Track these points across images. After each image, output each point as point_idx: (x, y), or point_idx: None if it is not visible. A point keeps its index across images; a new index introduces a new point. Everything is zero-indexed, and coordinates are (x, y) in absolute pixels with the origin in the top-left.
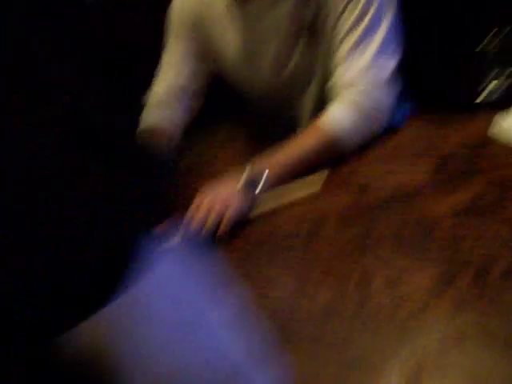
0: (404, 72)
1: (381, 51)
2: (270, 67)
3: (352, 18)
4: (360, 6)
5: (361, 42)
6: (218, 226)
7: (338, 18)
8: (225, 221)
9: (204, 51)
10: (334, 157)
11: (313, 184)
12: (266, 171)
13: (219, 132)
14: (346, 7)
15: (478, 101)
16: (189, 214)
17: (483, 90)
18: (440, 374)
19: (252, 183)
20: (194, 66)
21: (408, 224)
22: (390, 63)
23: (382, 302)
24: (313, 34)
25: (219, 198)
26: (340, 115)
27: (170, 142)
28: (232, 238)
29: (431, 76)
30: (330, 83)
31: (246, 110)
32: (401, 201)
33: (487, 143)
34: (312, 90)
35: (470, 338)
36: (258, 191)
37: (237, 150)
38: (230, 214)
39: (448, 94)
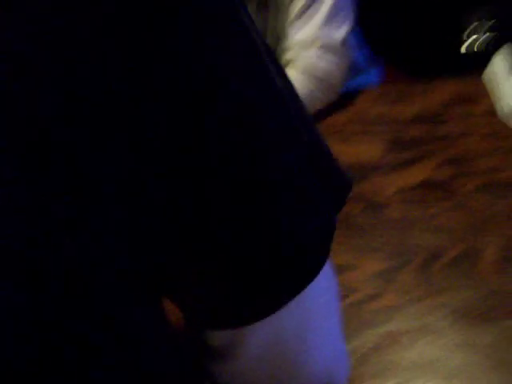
0: (368, 31)
1: (332, 13)
2: None
3: None
4: None
5: (311, 3)
6: None
7: None
8: None
9: None
10: None
11: None
12: None
13: None
14: None
15: (462, 51)
16: None
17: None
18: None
19: None
20: None
21: (357, 205)
22: (343, 26)
23: None
24: None
25: None
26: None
27: None
28: None
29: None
30: (281, 47)
31: None
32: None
33: (444, 118)
34: None
35: (415, 331)
36: None
37: None
38: None
39: (430, 43)
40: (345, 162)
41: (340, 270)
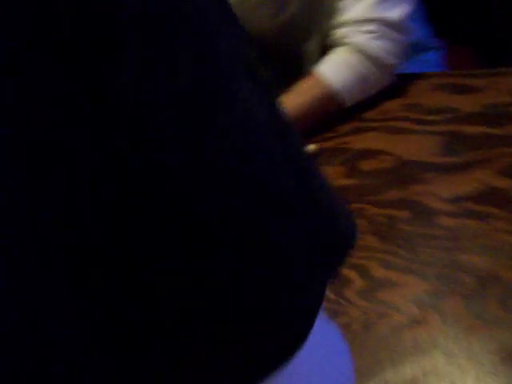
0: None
1: None
2: (269, 9)
3: None
4: None
5: None
6: None
7: None
8: None
9: None
10: (331, 114)
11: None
12: None
13: None
14: None
15: None
16: None
17: None
18: None
19: None
20: None
21: (402, 212)
22: (402, 3)
23: (357, 313)
24: None
25: None
26: (341, 63)
27: None
28: None
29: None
30: (333, 24)
31: None
32: (399, 181)
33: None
34: (317, 31)
35: (459, 365)
36: None
37: None
38: None
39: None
40: (392, 158)
41: (379, 285)
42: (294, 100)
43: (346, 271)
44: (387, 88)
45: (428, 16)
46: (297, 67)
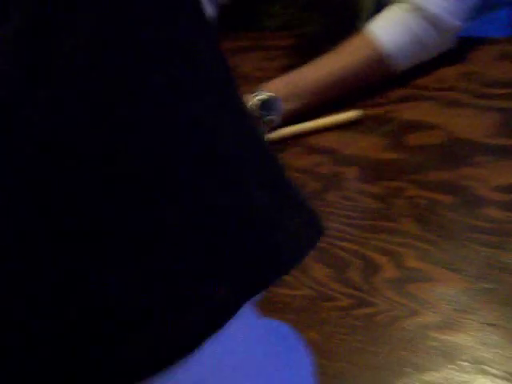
0: None
1: None
2: None
3: None
4: None
5: None
6: None
7: None
8: None
9: None
10: (380, 78)
11: (345, 120)
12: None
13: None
14: None
15: None
16: None
17: None
18: None
19: (266, 106)
20: None
21: (447, 197)
22: None
23: (384, 305)
24: None
25: None
26: (395, 23)
27: None
28: None
29: None
30: None
31: None
32: (447, 160)
33: None
34: None
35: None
36: (272, 116)
37: (274, 54)
38: None
39: None
40: (443, 133)
41: (412, 277)
42: (341, 59)
43: (377, 256)
44: (446, 53)
45: None
46: (351, 22)
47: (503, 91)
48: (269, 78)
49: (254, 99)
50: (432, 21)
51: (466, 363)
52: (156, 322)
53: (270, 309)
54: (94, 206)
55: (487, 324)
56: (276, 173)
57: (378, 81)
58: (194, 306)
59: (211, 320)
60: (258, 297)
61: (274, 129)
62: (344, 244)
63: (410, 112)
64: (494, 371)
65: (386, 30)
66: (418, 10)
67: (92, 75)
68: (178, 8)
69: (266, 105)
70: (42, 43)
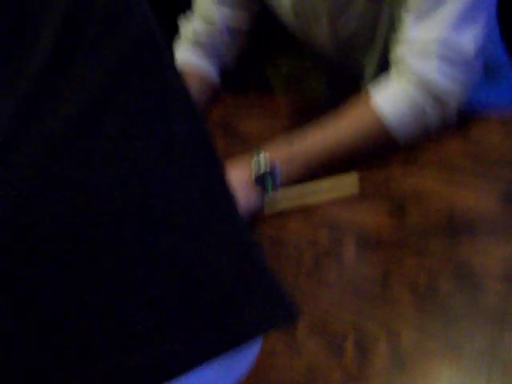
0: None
1: (466, 11)
2: (327, 24)
3: None
4: None
5: None
6: None
7: None
8: None
9: None
10: (379, 151)
11: (344, 185)
12: (278, 165)
13: (258, 82)
14: None
15: None
16: None
17: None
18: None
19: (265, 176)
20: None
21: (447, 274)
22: (476, 28)
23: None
24: None
25: None
26: (398, 95)
27: (205, 87)
28: None
29: None
30: (396, 38)
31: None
32: (447, 235)
33: None
34: (377, 47)
35: None
36: (270, 187)
37: (275, 112)
38: None
39: None
40: (444, 202)
41: (408, 351)
42: (343, 128)
43: (373, 328)
44: (450, 124)
45: (504, 34)
46: (356, 81)
47: (505, 170)
48: (269, 138)
49: (252, 165)
50: (436, 94)
51: None
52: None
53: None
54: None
55: None
56: (249, 261)
57: (381, 148)
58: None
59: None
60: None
61: (273, 193)
62: (339, 314)
63: (411, 177)
64: None
65: (390, 103)
66: (422, 82)
67: None
68: None
69: (263, 169)
70: None
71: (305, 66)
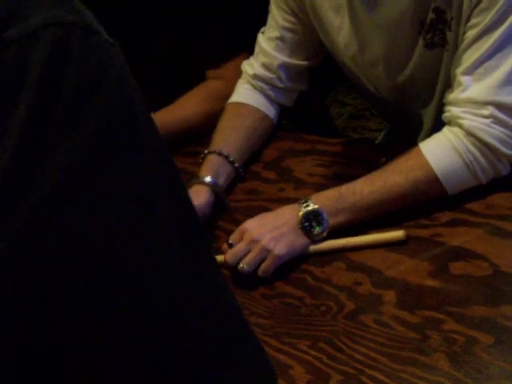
0: None
1: None
2: (384, 70)
3: (489, 17)
4: (501, 2)
5: (497, 51)
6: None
7: (472, 13)
8: (270, 258)
9: (311, 29)
10: (431, 199)
11: (390, 242)
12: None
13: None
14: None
15: None
16: (228, 240)
17: None
18: None
19: (311, 224)
20: (301, 42)
21: (485, 336)
22: None
23: None
24: (436, 29)
25: (268, 229)
26: (448, 148)
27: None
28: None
29: None
30: (450, 98)
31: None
32: (489, 295)
33: None
34: (434, 101)
35: None
36: (316, 235)
37: (329, 159)
38: (277, 251)
39: None
40: (488, 265)
41: None
42: (392, 178)
43: None
44: (500, 178)
45: None
46: (414, 133)
47: None
48: (320, 185)
49: (301, 210)
50: (484, 150)
51: None
52: None
53: None
54: None
55: None
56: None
57: (429, 201)
58: None
59: None
60: None
61: (319, 241)
62: (371, 372)
63: (456, 238)
64: None
65: (439, 155)
66: (471, 138)
67: None
68: None
69: (311, 217)
70: None
71: (369, 108)
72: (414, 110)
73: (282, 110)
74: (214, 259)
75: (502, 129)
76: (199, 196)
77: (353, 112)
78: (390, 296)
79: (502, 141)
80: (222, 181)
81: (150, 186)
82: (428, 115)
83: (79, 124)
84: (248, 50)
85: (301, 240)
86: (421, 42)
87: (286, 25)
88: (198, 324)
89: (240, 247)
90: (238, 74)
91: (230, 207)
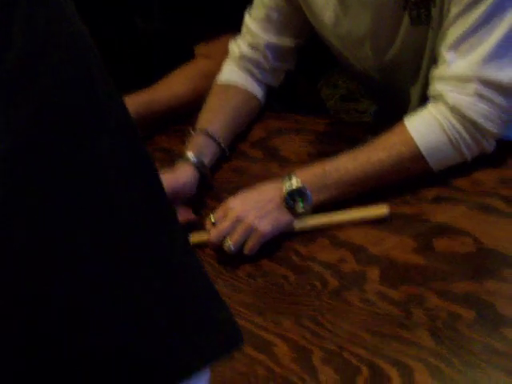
0: None
1: (502, 47)
2: (371, 49)
3: None
4: None
5: (481, 27)
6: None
7: None
8: (255, 236)
9: (298, 8)
10: (416, 176)
11: (374, 217)
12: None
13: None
14: None
15: None
16: (211, 218)
17: None
18: None
19: (295, 199)
20: (287, 21)
21: (468, 312)
22: None
23: None
24: (421, 5)
25: (252, 207)
26: (433, 124)
27: (246, 101)
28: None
29: None
30: (435, 74)
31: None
32: (473, 272)
33: None
34: (421, 77)
35: None
36: (300, 210)
37: (317, 137)
38: (262, 228)
39: None
40: (472, 242)
41: None
42: (376, 154)
43: (387, 367)
44: (485, 156)
45: None
46: (402, 111)
47: None
48: (304, 163)
49: (284, 188)
50: (468, 126)
51: None
52: None
53: None
54: None
55: None
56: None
57: (413, 177)
58: None
59: None
60: None
61: (303, 218)
62: (354, 349)
63: (441, 215)
64: None
65: (422, 132)
66: (456, 114)
67: None
68: None
69: (295, 194)
70: None
71: (360, 89)
72: (401, 89)
73: (269, 90)
74: (180, 229)
75: (486, 106)
76: (184, 174)
77: (344, 93)
78: (374, 273)
79: (486, 118)
80: (207, 160)
81: (109, 156)
82: (414, 94)
83: (30, 83)
84: (237, 28)
85: (285, 217)
86: (406, 18)
87: (273, 5)
88: (151, 279)
89: (224, 226)
90: (227, 52)
91: (216, 185)
